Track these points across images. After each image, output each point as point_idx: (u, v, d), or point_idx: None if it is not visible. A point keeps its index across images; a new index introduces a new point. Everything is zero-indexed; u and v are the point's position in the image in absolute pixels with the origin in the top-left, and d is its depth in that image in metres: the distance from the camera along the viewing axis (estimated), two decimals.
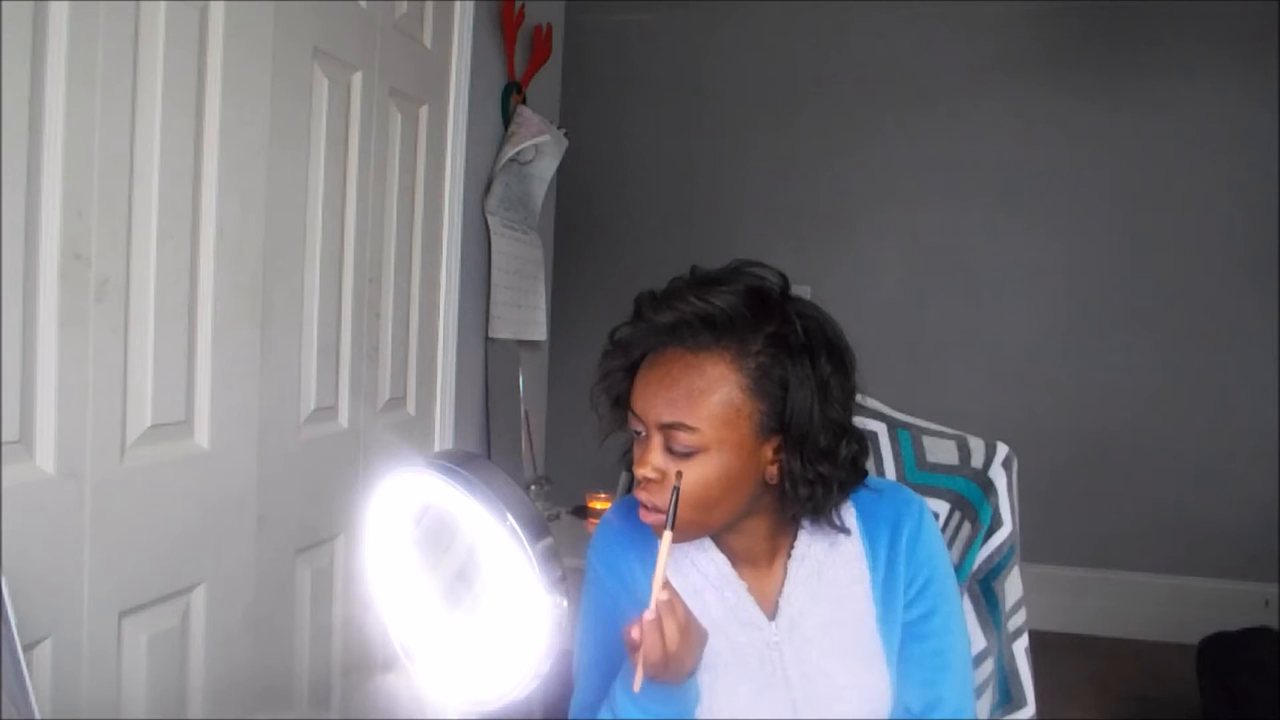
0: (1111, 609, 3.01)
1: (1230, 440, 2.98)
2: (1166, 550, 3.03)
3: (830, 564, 0.94)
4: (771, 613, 0.94)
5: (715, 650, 0.91)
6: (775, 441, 0.86)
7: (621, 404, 0.91)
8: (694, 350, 0.84)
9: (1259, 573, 2.86)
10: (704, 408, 0.83)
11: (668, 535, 0.80)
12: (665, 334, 0.86)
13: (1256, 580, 2.87)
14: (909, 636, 0.94)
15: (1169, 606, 2.95)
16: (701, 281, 0.88)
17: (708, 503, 0.85)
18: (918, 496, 0.98)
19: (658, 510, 0.85)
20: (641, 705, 0.84)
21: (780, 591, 0.94)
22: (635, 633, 0.77)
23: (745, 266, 0.90)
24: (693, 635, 0.81)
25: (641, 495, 0.86)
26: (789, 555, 0.94)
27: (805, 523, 0.93)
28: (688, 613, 0.81)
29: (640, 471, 0.85)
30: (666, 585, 0.79)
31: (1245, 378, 2.98)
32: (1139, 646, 2.92)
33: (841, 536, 0.94)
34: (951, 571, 0.98)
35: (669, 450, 0.84)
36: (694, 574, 0.96)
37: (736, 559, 0.95)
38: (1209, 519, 2.98)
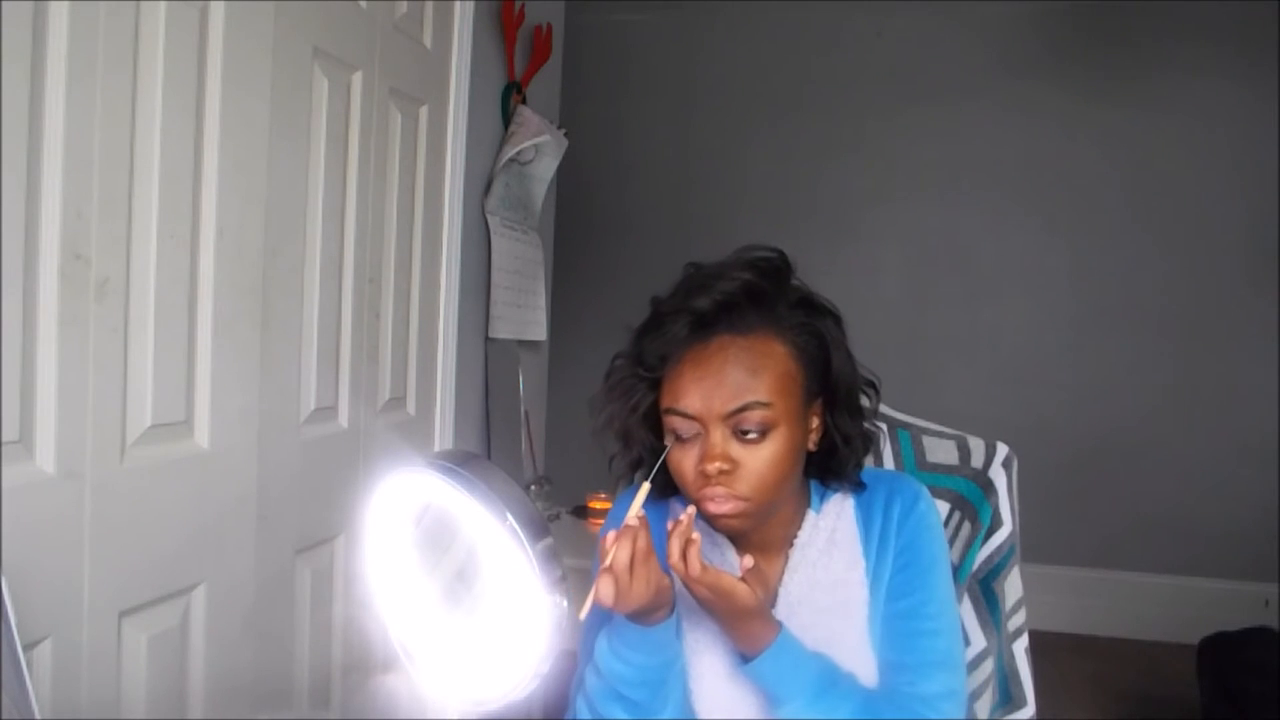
0: (1111, 609, 3.01)
1: (1231, 440, 2.98)
2: (1167, 550, 3.03)
3: (829, 554, 0.95)
4: (770, 600, 0.94)
5: (714, 634, 0.92)
6: (815, 406, 0.90)
7: (649, 420, 0.90)
8: (743, 333, 0.85)
9: (1259, 573, 2.85)
10: (770, 382, 0.84)
11: (646, 485, 0.84)
12: (707, 325, 0.86)
13: (1256, 580, 2.87)
14: (888, 614, 0.93)
15: (1169, 606, 2.95)
16: (713, 271, 0.89)
17: (779, 480, 0.86)
18: (919, 484, 0.98)
19: (736, 498, 0.84)
20: (621, 655, 0.85)
21: (780, 579, 0.95)
22: (608, 541, 0.80)
23: (743, 250, 0.91)
24: (645, 570, 0.80)
25: (716, 491, 0.84)
26: (791, 545, 0.95)
27: (810, 512, 0.95)
28: (648, 552, 0.80)
29: (711, 466, 0.83)
30: (643, 521, 0.81)
31: (1246, 377, 2.98)
32: (1139, 646, 2.92)
33: (841, 528, 0.95)
34: (944, 559, 0.97)
35: (737, 437, 0.84)
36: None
37: (744, 546, 0.96)
38: (1209, 519, 2.98)
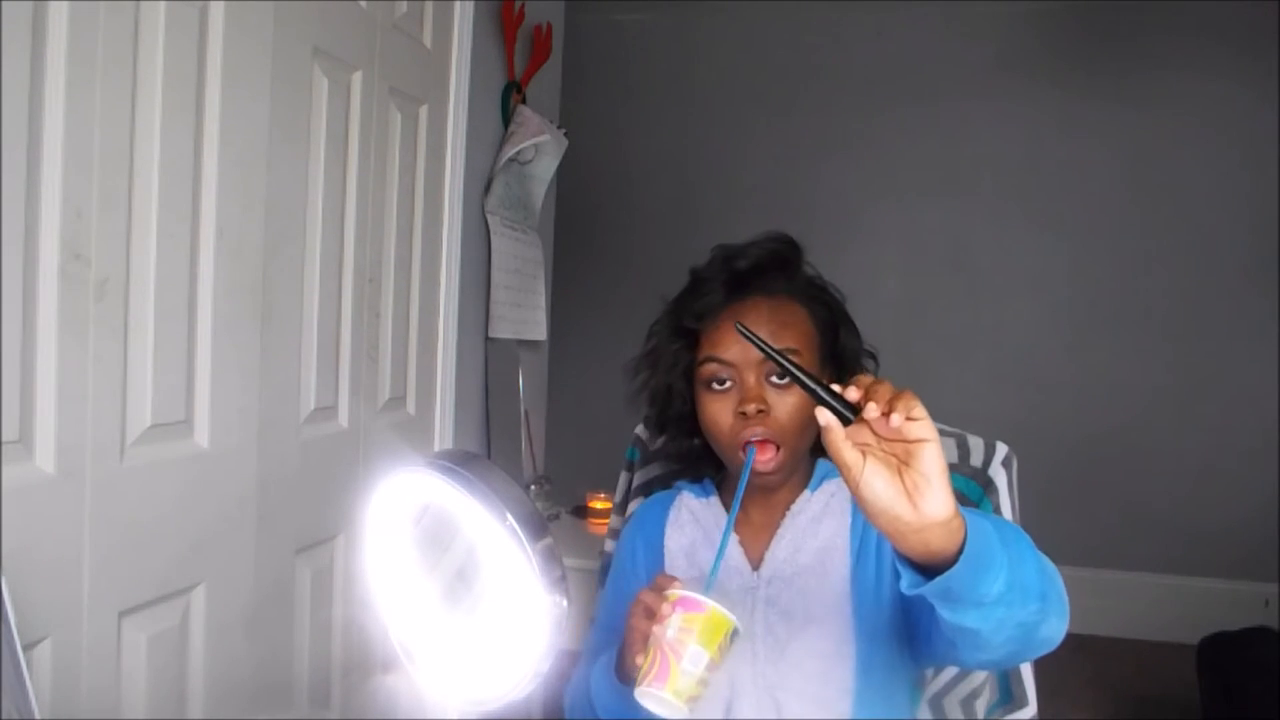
0: (1111, 609, 3.01)
1: (1230, 440, 2.98)
2: (1166, 550, 3.03)
3: (819, 522, 0.98)
4: (757, 562, 0.99)
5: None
6: (826, 373, 0.97)
7: (688, 371, 0.98)
8: (771, 295, 0.96)
9: (1259, 573, 2.86)
10: (797, 335, 0.93)
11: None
12: (741, 286, 0.96)
13: (1256, 580, 2.87)
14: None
15: (1169, 606, 2.95)
16: (741, 247, 1.00)
17: (803, 425, 0.92)
18: None
19: (770, 443, 0.91)
20: (606, 707, 0.91)
21: (768, 546, 0.99)
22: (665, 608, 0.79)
23: (761, 235, 1.03)
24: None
25: (757, 430, 0.91)
26: (784, 516, 0.99)
27: (806, 491, 1.00)
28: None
29: (749, 406, 0.90)
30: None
31: (1245, 377, 2.98)
32: (1139, 646, 2.92)
33: (834, 505, 0.99)
34: None
35: (769, 383, 0.92)
36: (691, 528, 1.03)
37: (744, 527, 1.01)
38: (1209, 519, 2.98)
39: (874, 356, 1.04)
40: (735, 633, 0.77)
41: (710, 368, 0.94)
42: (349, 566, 1.56)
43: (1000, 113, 3.11)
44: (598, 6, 3.22)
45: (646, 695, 0.76)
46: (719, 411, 0.94)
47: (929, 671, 1.13)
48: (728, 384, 0.93)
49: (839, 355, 0.99)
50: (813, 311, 0.97)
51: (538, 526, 0.73)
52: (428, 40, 1.83)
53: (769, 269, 0.98)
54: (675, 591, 0.78)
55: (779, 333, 0.92)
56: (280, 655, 1.43)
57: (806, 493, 1.00)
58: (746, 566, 0.99)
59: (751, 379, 0.92)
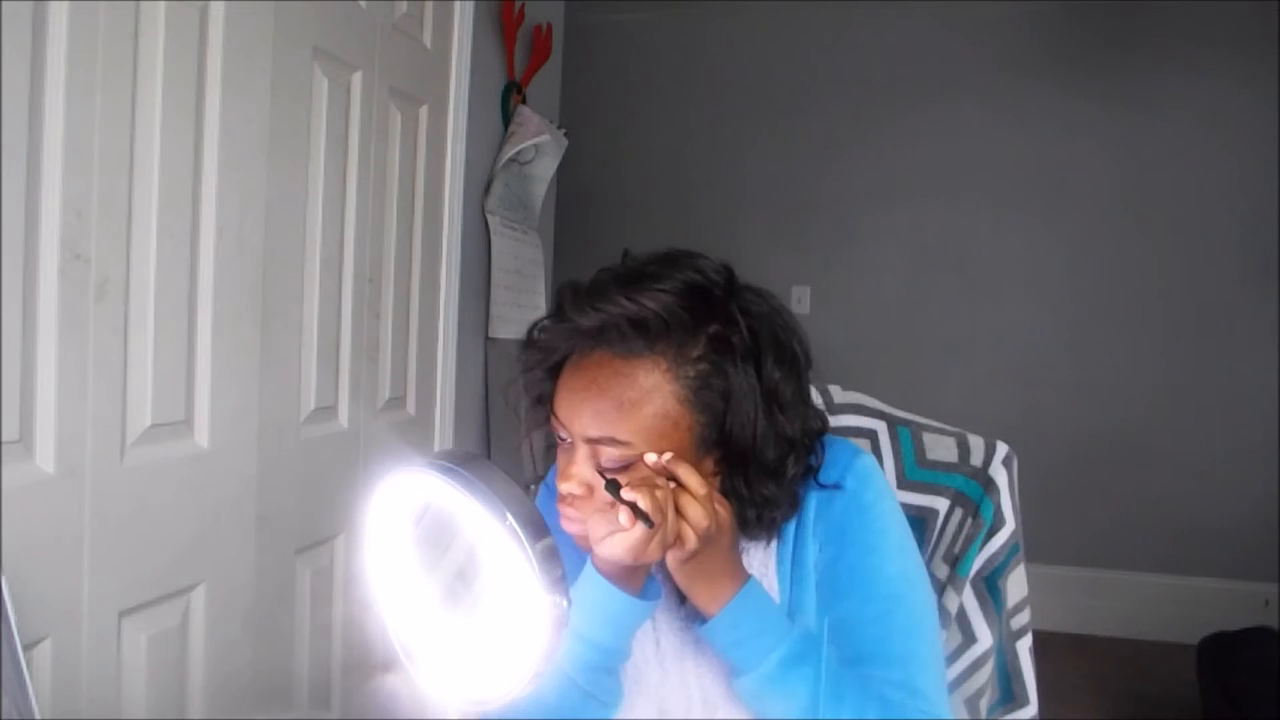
0: (1111, 609, 3.01)
1: (1230, 439, 2.98)
2: (1166, 549, 3.03)
3: (751, 552, 0.87)
4: (684, 598, 0.85)
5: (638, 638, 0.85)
6: (717, 455, 0.79)
7: (544, 403, 0.82)
8: (624, 356, 0.74)
9: (1259, 573, 2.86)
10: (636, 420, 0.74)
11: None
12: (591, 337, 0.76)
13: (1256, 580, 2.87)
14: (831, 621, 0.81)
15: (1169, 606, 2.95)
16: (632, 277, 0.76)
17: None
18: (849, 460, 0.86)
19: (582, 523, 0.76)
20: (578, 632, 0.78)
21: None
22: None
23: (683, 258, 0.79)
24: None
25: (566, 510, 0.77)
26: None
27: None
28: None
29: (565, 486, 0.76)
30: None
31: (1245, 377, 2.98)
32: (1139, 646, 2.92)
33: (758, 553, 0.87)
34: (884, 533, 0.85)
35: (597, 464, 0.76)
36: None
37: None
38: (1209, 518, 2.98)
39: (794, 445, 0.80)
40: None
41: (554, 421, 0.79)
42: (349, 566, 1.56)
43: (1000, 113, 3.11)
44: (598, 6, 3.22)
45: None
46: (561, 465, 0.79)
47: None
48: (567, 440, 0.78)
49: (731, 443, 0.77)
50: (690, 384, 0.74)
51: (538, 527, 0.73)
52: (428, 40, 1.83)
53: (624, 326, 0.74)
54: None
55: (608, 413, 0.73)
56: (280, 655, 1.43)
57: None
58: (675, 600, 0.87)
59: (581, 454, 0.76)
